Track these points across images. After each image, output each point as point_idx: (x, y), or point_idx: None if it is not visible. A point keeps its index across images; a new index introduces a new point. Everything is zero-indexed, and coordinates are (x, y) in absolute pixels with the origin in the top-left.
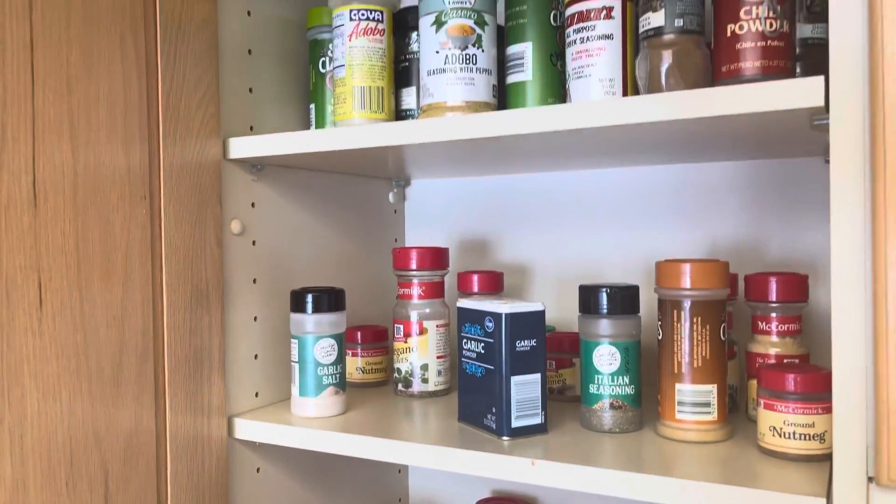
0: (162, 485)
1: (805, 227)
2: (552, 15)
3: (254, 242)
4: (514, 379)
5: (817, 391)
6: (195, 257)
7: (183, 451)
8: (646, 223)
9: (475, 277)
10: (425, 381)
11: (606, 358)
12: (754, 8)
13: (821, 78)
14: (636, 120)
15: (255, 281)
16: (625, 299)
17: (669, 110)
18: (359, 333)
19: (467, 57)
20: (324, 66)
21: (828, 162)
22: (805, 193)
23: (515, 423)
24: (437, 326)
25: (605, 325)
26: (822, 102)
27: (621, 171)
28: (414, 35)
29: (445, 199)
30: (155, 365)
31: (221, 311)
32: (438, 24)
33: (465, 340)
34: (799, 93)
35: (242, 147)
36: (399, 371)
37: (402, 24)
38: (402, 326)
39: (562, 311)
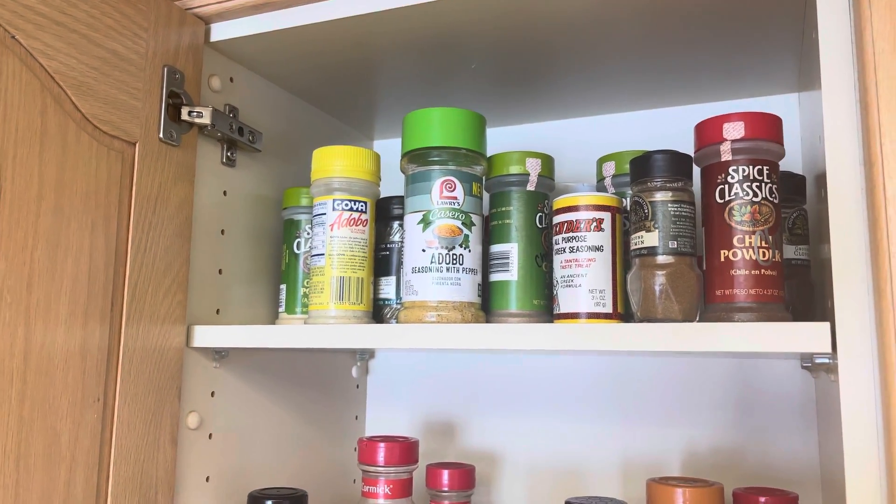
0: None
1: (780, 431)
2: (538, 217)
3: (210, 436)
4: None
5: None
6: (146, 460)
7: None
8: (620, 414)
9: (445, 473)
10: None
11: None
12: (747, 237)
13: (826, 325)
14: (633, 348)
15: (207, 479)
16: None
17: (669, 342)
18: None
19: (454, 257)
20: (298, 247)
21: (804, 367)
22: (780, 397)
23: None
24: None
25: None
26: (828, 348)
27: (600, 360)
28: (395, 224)
29: (411, 375)
30: None
31: None
32: (426, 223)
33: None
34: (804, 337)
35: (207, 336)
36: None
37: (385, 213)
38: None
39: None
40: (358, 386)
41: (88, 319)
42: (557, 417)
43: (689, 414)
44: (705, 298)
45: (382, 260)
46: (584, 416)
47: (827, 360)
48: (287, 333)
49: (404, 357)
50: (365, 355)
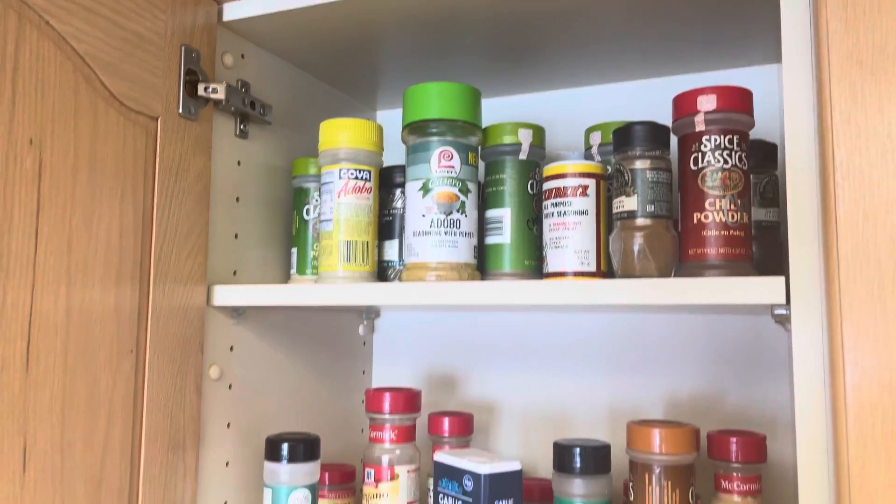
0: None
1: (758, 380)
2: (529, 184)
3: (230, 386)
4: None
5: None
6: (175, 407)
7: None
8: (609, 367)
9: (446, 420)
10: None
11: None
12: (717, 201)
13: (781, 279)
14: (611, 301)
15: (228, 426)
16: (598, 459)
17: (643, 296)
18: (326, 474)
19: (451, 221)
20: (307, 214)
21: (778, 322)
22: (756, 348)
23: None
24: (408, 472)
25: (578, 485)
26: (783, 300)
27: (589, 318)
28: (398, 192)
29: (414, 333)
30: None
31: (196, 459)
32: (425, 190)
33: (441, 496)
34: (763, 290)
35: (226, 295)
36: None
37: (388, 181)
38: (372, 471)
39: (528, 450)
40: (364, 343)
41: (121, 279)
42: (549, 371)
43: (671, 366)
44: (680, 257)
45: (386, 225)
46: (574, 370)
47: (784, 312)
48: (300, 292)
49: (407, 316)
50: (371, 314)
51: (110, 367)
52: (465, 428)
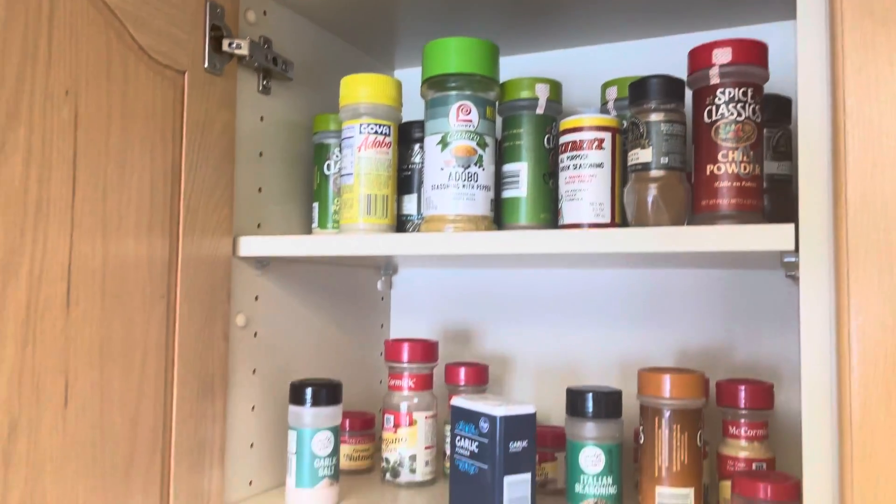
0: None
1: (767, 333)
2: (546, 139)
3: (255, 334)
4: (507, 479)
5: (786, 499)
6: (204, 351)
7: None
8: (621, 322)
9: (462, 370)
10: (413, 471)
11: (591, 459)
12: (730, 152)
13: (791, 226)
14: (624, 250)
15: (254, 371)
16: (610, 404)
17: (656, 244)
18: (347, 421)
19: (469, 175)
20: (328, 169)
21: (788, 276)
22: (767, 303)
23: None
24: (425, 418)
25: (590, 428)
26: (792, 246)
27: (601, 273)
28: (416, 147)
29: (431, 289)
30: (162, 458)
31: (224, 402)
32: (444, 143)
33: (458, 438)
34: (773, 237)
35: (252, 246)
36: (388, 461)
37: (406, 137)
38: (392, 417)
39: (541, 402)
40: (383, 298)
41: (152, 229)
42: (562, 325)
43: (681, 320)
44: (693, 209)
45: (405, 180)
46: (587, 324)
47: (793, 259)
48: (322, 242)
49: (424, 272)
50: (389, 271)
51: (144, 312)
52: (480, 377)
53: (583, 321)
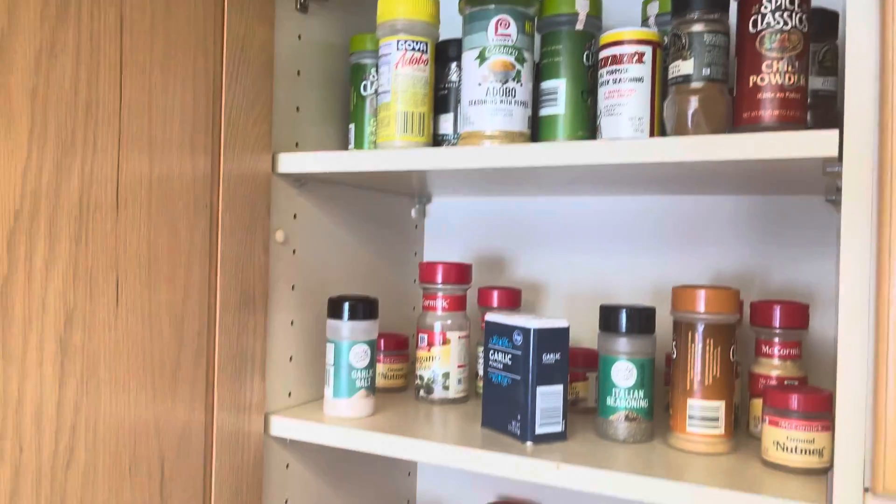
0: (207, 476)
1: (803, 260)
2: (585, 55)
3: (294, 251)
4: (540, 389)
5: (818, 411)
6: (245, 264)
7: (226, 446)
8: (654, 249)
9: (495, 293)
10: (446, 388)
11: (624, 373)
12: (775, 63)
13: (835, 131)
14: (663, 159)
15: (293, 287)
16: (643, 320)
17: (695, 152)
18: (382, 341)
19: (507, 90)
20: (365, 90)
21: (829, 201)
22: (804, 229)
23: (539, 430)
24: (458, 337)
25: (623, 343)
26: (835, 153)
27: (634, 200)
28: (453, 65)
29: (464, 217)
30: (206, 363)
31: (265, 315)
32: (482, 58)
33: (492, 352)
34: (816, 144)
35: (291, 162)
36: (421, 378)
37: (443, 55)
38: (426, 336)
39: (573, 327)
40: (416, 226)
41: (195, 140)
42: (596, 252)
43: (716, 247)
44: (734, 122)
45: (441, 99)
46: (620, 250)
47: (836, 169)
48: (360, 157)
49: (458, 202)
50: (423, 198)
51: (188, 219)
52: (513, 300)
53: (615, 248)
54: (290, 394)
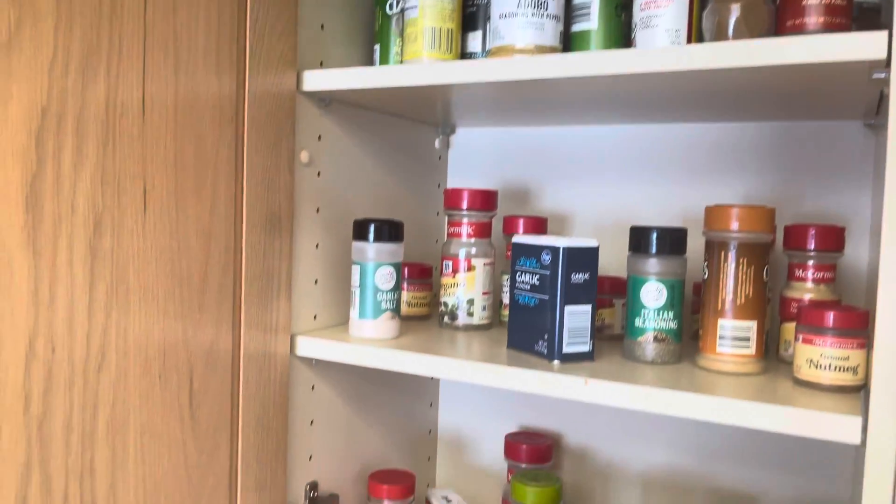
0: (235, 391)
1: (837, 187)
2: None
3: (319, 173)
4: (568, 308)
5: (854, 328)
6: (271, 182)
7: (253, 363)
8: (681, 178)
9: (521, 221)
10: (471, 314)
11: (653, 294)
12: None
13: (884, 32)
14: (702, 65)
15: (318, 210)
16: (673, 241)
17: (737, 57)
18: (406, 269)
19: (539, 2)
20: (391, 8)
21: (867, 125)
22: (838, 155)
23: (567, 349)
24: (483, 264)
25: (653, 264)
26: (884, 55)
27: (660, 128)
28: None
29: (487, 148)
30: (234, 280)
31: (290, 237)
32: None
33: (518, 273)
34: (863, 45)
35: (316, 80)
36: (446, 304)
37: None
38: (450, 263)
39: (599, 258)
40: (440, 157)
41: (221, 48)
42: (622, 182)
43: (748, 174)
44: (777, 31)
45: (469, 16)
46: (648, 180)
47: (884, 75)
48: (386, 72)
49: (482, 132)
50: (447, 129)
51: (213, 131)
52: (538, 228)
53: (642, 178)
54: (315, 317)
